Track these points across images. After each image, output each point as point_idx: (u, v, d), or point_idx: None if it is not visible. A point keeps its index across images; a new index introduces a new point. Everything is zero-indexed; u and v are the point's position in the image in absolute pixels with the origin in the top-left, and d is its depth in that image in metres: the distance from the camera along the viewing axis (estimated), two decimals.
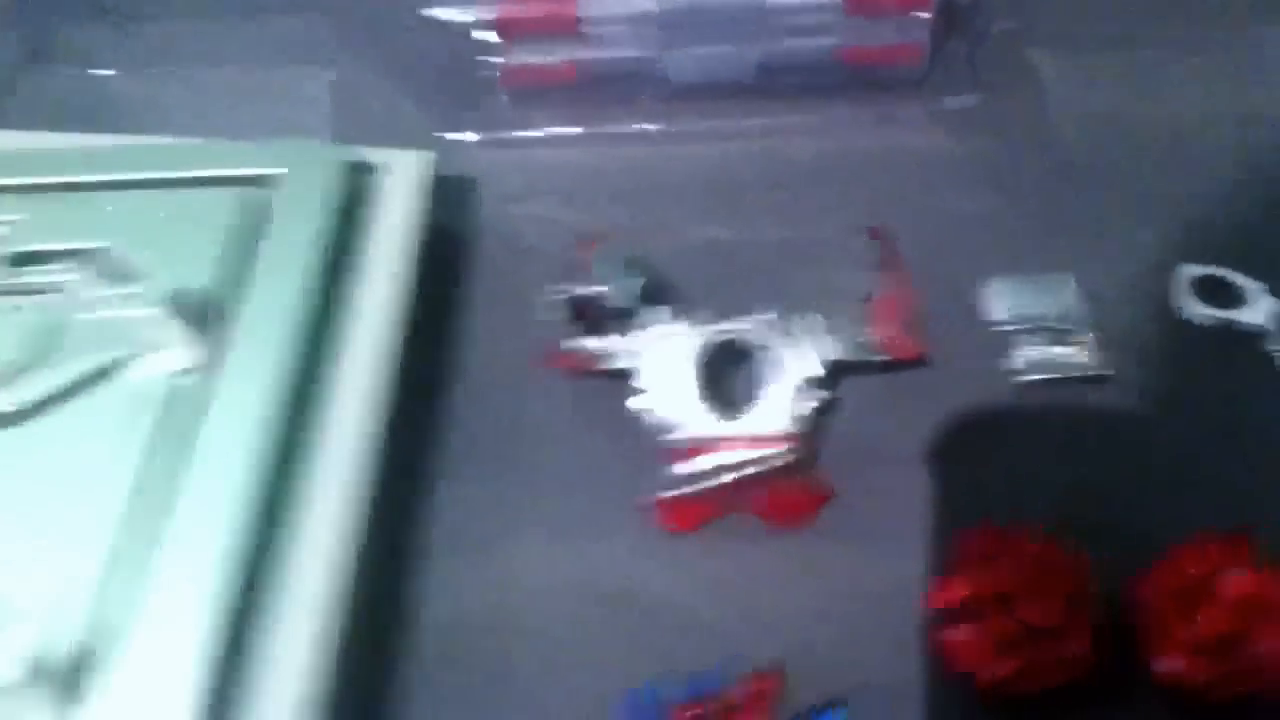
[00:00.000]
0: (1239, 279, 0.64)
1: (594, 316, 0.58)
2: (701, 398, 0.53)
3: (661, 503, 0.51)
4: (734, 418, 0.53)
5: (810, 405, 0.53)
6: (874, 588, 0.53)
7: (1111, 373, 0.60)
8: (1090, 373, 0.60)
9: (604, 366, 0.55)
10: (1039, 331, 0.61)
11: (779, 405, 0.53)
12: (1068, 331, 0.61)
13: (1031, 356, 0.60)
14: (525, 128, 0.74)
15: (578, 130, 0.74)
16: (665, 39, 0.72)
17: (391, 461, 0.54)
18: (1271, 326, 0.62)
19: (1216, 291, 0.64)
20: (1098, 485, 0.56)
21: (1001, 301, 0.63)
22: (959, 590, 0.49)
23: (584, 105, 0.74)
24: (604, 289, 0.57)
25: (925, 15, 0.71)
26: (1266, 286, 0.63)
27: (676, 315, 0.55)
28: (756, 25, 0.72)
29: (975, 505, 0.56)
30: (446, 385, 0.62)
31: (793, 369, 0.53)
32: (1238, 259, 0.65)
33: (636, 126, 0.74)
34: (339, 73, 0.78)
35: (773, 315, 0.55)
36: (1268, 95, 0.74)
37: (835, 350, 0.54)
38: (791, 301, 0.58)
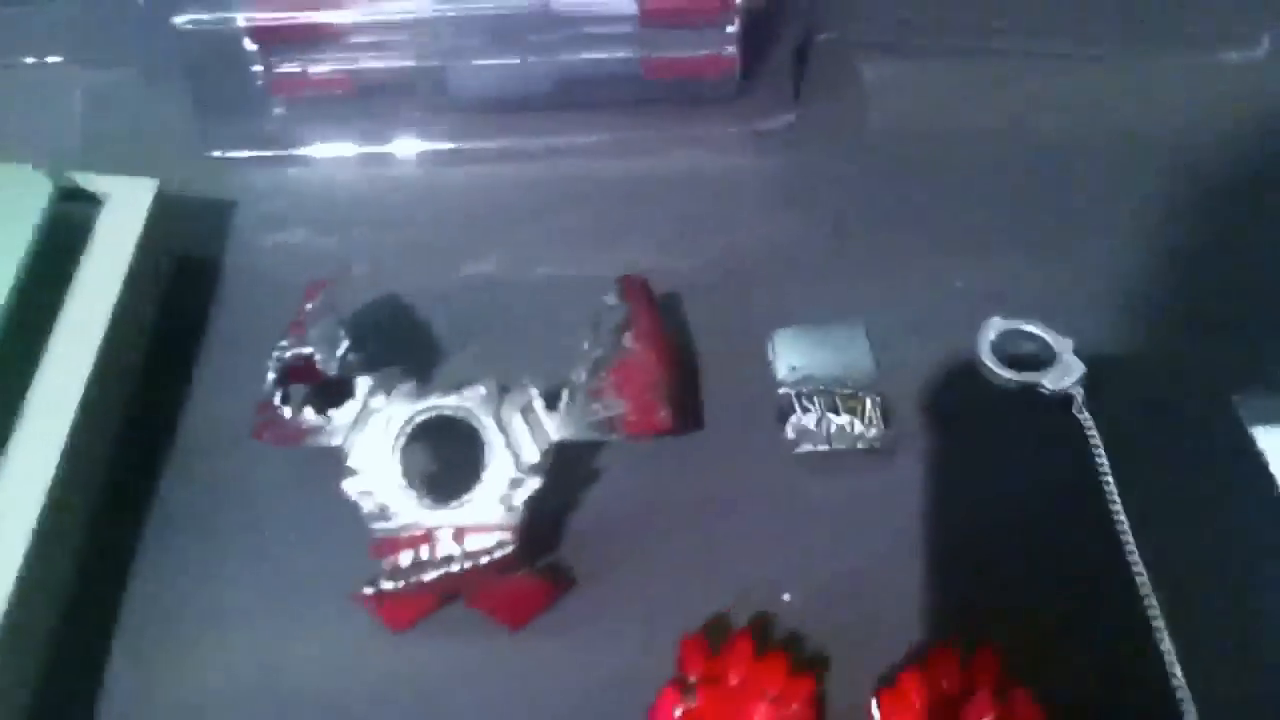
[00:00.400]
0: (1048, 336, 0.58)
1: (307, 381, 0.51)
2: (407, 483, 0.47)
3: (372, 598, 0.45)
4: (444, 506, 0.47)
5: (525, 495, 0.47)
6: (600, 692, 0.47)
7: (887, 446, 0.54)
8: (864, 446, 0.54)
9: (314, 442, 0.48)
10: (819, 394, 0.55)
11: (491, 493, 0.47)
12: (849, 395, 0.55)
13: (803, 424, 0.54)
14: (297, 145, 0.67)
15: (352, 148, 0.67)
16: (446, 49, 0.65)
17: (90, 529, 0.49)
18: (1078, 391, 0.56)
19: (1024, 347, 0.58)
20: (860, 576, 0.51)
21: (785, 357, 0.57)
22: (666, 712, 0.43)
23: (361, 121, 0.67)
24: (312, 350, 0.50)
25: (731, 28, 0.64)
26: (1073, 344, 0.57)
27: (384, 383, 0.48)
28: (546, 35, 0.64)
29: (720, 596, 0.50)
30: (166, 442, 0.55)
31: (504, 455, 0.47)
32: (1056, 305, 0.59)
33: (416, 145, 0.67)
34: (96, 78, 0.70)
35: (482, 390, 0.48)
36: (1119, 116, 0.68)
37: (559, 430, 0.48)
38: (539, 360, 0.52)
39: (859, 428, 0.54)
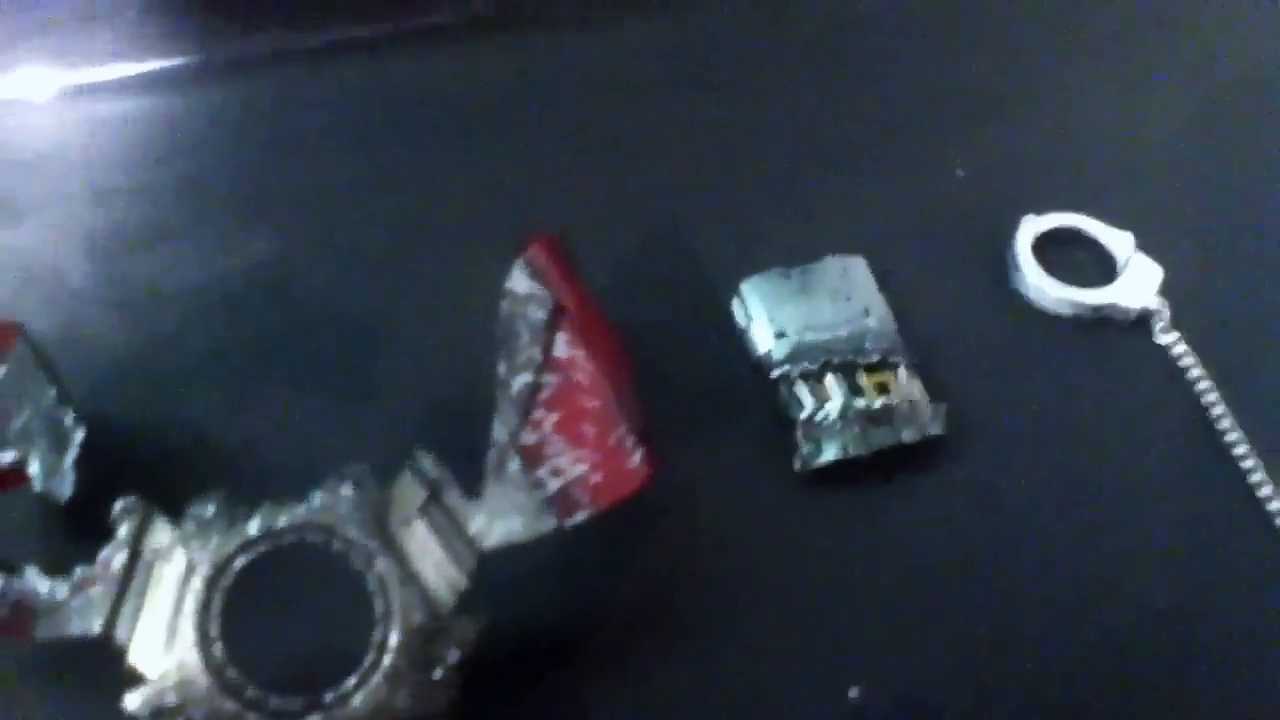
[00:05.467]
0: (1102, 232, 0.42)
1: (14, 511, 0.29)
2: (239, 677, 0.26)
3: None
4: (314, 707, 0.26)
5: (455, 656, 0.27)
6: None
7: (939, 432, 0.37)
8: (911, 437, 0.37)
9: (46, 631, 0.27)
10: (830, 369, 0.37)
11: (394, 667, 0.27)
12: (874, 364, 0.38)
13: (817, 422, 0.36)
14: None
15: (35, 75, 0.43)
16: None
17: None
18: (1159, 306, 0.40)
19: (1071, 257, 0.42)
20: (955, 632, 0.34)
21: (764, 318, 0.39)
22: None
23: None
24: (13, 456, 0.28)
25: None
26: (1134, 240, 0.42)
27: (163, 506, 0.27)
28: None
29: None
30: None
31: (406, 594, 0.27)
32: (1100, 189, 0.43)
33: (122, 67, 0.43)
34: None
35: (348, 487, 0.27)
36: None
37: (492, 529, 0.28)
38: (410, 406, 0.31)
39: (900, 411, 0.37)
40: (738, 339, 0.39)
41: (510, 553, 0.29)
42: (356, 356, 0.36)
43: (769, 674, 0.34)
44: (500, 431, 0.29)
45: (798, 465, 0.36)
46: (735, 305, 0.39)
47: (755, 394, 0.38)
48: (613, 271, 0.40)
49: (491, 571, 0.29)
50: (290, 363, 0.35)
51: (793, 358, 0.38)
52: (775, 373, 0.38)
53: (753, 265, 0.40)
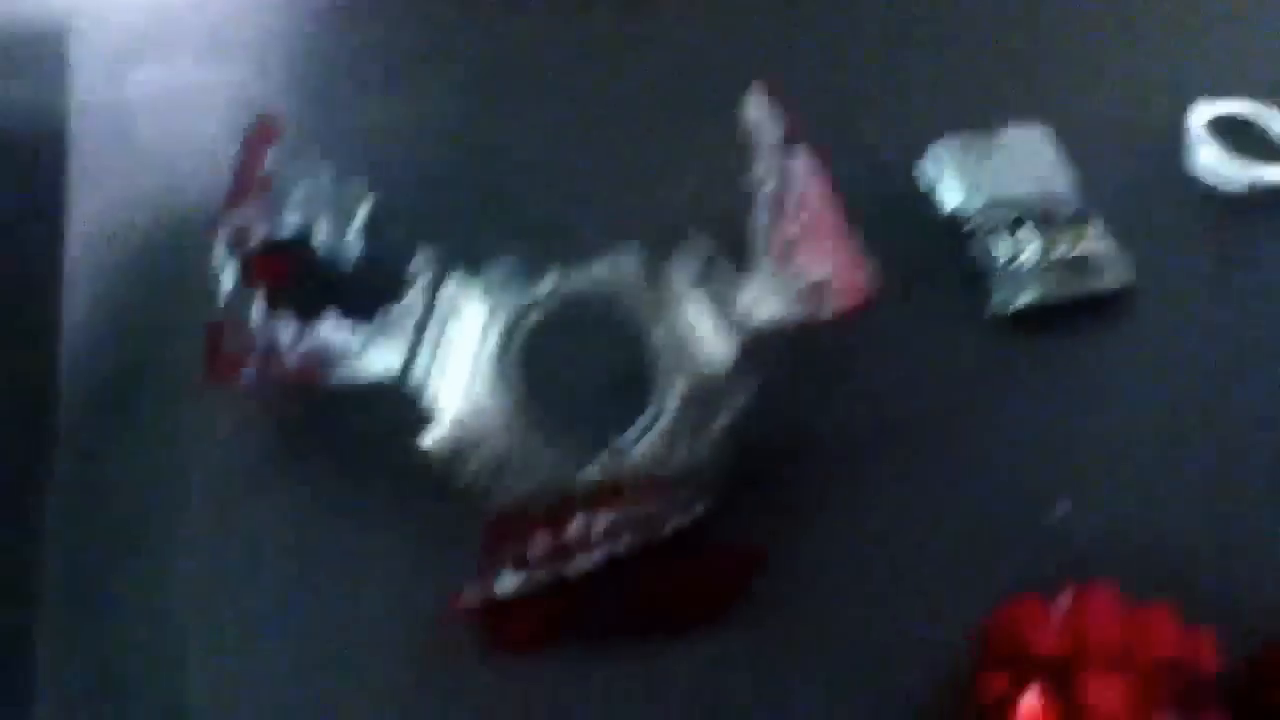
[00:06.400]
0: (1272, 118, 0.43)
1: (293, 280, 0.30)
2: (532, 421, 0.28)
3: (482, 610, 0.26)
4: (596, 453, 0.28)
5: (724, 419, 0.28)
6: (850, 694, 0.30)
7: (1132, 281, 0.39)
8: (1101, 287, 0.38)
9: (343, 375, 0.28)
10: (1021, 223, 0.39)
11: (669, 424, 0.28)
12: (1063, 223, 0.39)
13: (1014, 269, 0.38)
14: None
15: None
16: None
17: None
18: None
19: (1242, 140, 0.43)
20: (1157, 458, 0.35)
21: (952, 179, 0.40)
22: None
23: None
24: (298, 223, 0.29)
25: None
26: None
27: (455, 263, 0.28)
28: None
29: (972, 529, 0.34)
30: (42, 421, 0.33)
31: (683, 357, 0.28)
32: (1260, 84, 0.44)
33: None
34: None
35: (633, 257, 0.29)
36: None
37: (759, 306, 0.29)
38: (666, 200, 0.33)
39: (1093, 261, 0.38)
40: (923, 199, 0.41)
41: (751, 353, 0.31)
42: (631, 159, 0.38)
43: (973, 496, 0.35)
44: (758, 226, 0.31)
45: (994, 310, 0.38)
46: (922, 166, 0.41)
47: (944, 249, 0.40)
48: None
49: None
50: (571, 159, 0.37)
51: (985, 211, 0.39)
52: (968, 226, 0.39)
53: (937, 131, 0.41)
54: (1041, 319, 0.38)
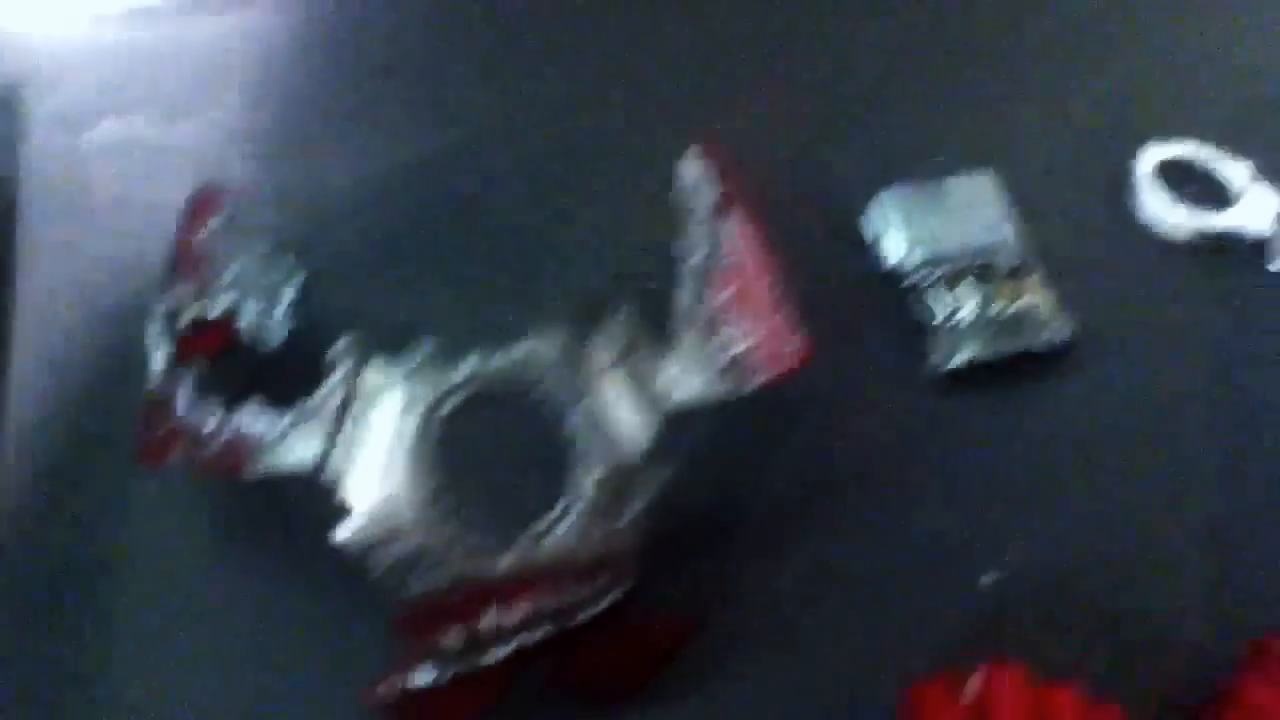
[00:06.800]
0: (1220, 162, 0.43)
1: (221, 361, 0.31)
2: (448, 510, 0.28)
3: (398, 701, 0.27)
4: (514, 540, 0.28)
5: (643, 499, 0.29)
6: None
7: (1072, 337, 0.39)
8: (1040, 345, 0.38)
9: (264, 465, 0.28)
10: (963, 278, 0.39)
11: (587, 507, 0.28)
12: (1006, 274, 0.39)
13: (951, 325, 0.38)
14: None
15: None
16: None
17: None
18: (1274, 232, 0.42)
19: (1188, 185, 0.43)
20: (1083, 527, 0.36)
21: (895, 230, 0.40)
22: None
23: None
24: (229, 301, 0.30)
25: None
26: (1253, 167, 0.43)
27: (381, 347, 0.29)
28: None
29: (897, 601, 0.34)
30: None
31: (601, 440, 0.29)
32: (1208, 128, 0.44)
33: None
34: None
35: (555, 338, 0.29)
36: None
37: (680, 385, 0.30)
38: (580, 290, 0.33)
39: (1032, 318, 0.38)
40: (867, 250, 0.41)
41: (674, 425, 0.31)
42: (530, 228, 0.38)
43: (902, 560, 0.35)
44: (682, 301, 0.31)
45: (930, 369, 0.38)
46: (865, 217, 0.41)
47: (885, 303, 0.40)
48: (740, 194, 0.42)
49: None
50: (489, 232, 0.37)
51: (926, 266, 0.39)
52: (910, 280, 0.39)
53: (883, 180, 0.41)
54: (981, 376, 0.38)
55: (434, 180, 0.38)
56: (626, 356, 0.30)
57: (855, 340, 0.39)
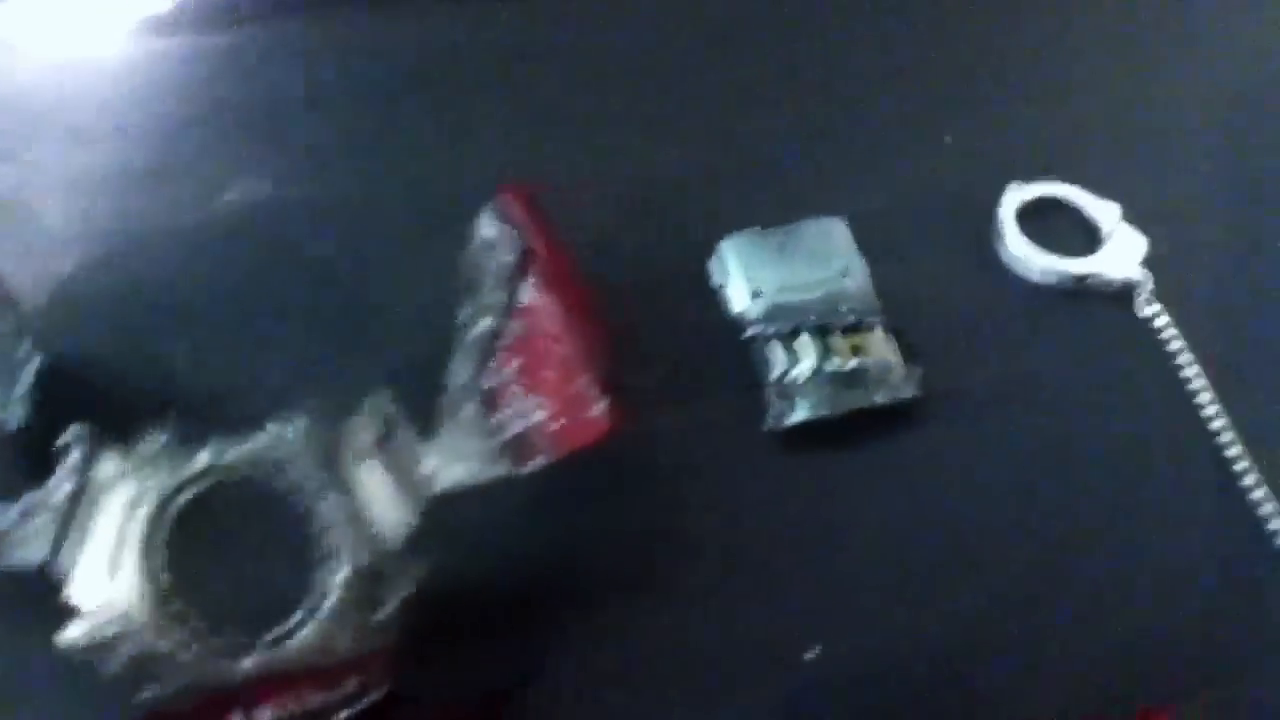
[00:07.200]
0: (1088, 202, 0.41)
1: None
2: (183, 612, 0.26)
3: None
4: (257, 644, 0.26)
5: (398, 596, 0.27)
6: None
7: (915, 394, 0.37)
8: (884, 399, 0.36)
9: None
10: (806, 330, 0.37)
11: (337, 607, 0.26)
12: (850, 326, 0.37)
13: (790, 381, 0.36)
14: None
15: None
16: None
17: None
18: (1143, 277, 0.40)
19: (1056, 227, 0.41)
20: (919, 604, 0.34)
21: (741, 278, 0.38)
22: None
23: None
24: None
25: None
26: (1120, 211, 0.41)
27: (116, 437, 0.27)
28: None
29: (711, 674, 0.32)
30: None
31: (352, 533, 0.27)
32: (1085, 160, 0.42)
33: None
34: None
35: (299, 425, 0.27)
36: None
37: (443, 471, 0.28)
38: (379, 350, 0.31)
39: (873, 373, 0.36)
40: (715, 298, 0.39)
41: (480, 502, 0.29)
42: (318, 300, 0.35)
43: (731, 632, 0.33)
44: (457, 375, 0.29)
45: (768, 425, 0.36)
46: (712, 264, 0.39)
47: (731, 353, 0.38)
48: (592, 231, 0.39)
49: (459, 520, 0.29)
50: (250, 304, 0.35)
51: (767, 317, 0.37)
52: (749, 332, 0.37)
53: (733, 226, 0.39)
54: (824, 433, 0.36)
55: (194, 253, 0.36)
56: (384, 443, 0.27)
57: (697, 395, 0.37)
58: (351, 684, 0.26)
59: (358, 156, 0.40)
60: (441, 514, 0.28)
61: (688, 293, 0.39)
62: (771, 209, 0.40)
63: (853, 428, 0.36)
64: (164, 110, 0.41)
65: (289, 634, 0.26)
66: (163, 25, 0.43)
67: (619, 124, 0.42)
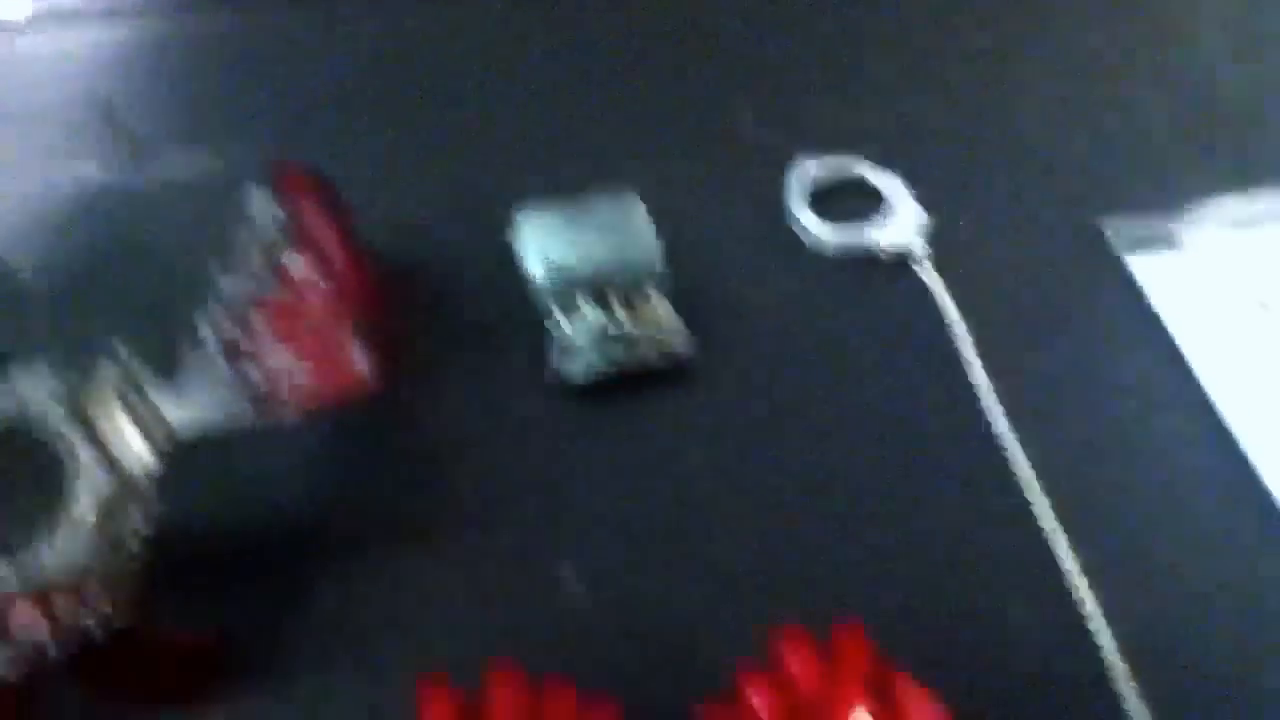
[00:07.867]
0: (877, 176, 0.44)
1: None
2: None
3: None
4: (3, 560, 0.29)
5: (133, 525, 0.29)
6: None
7: (690, 354, 0.39)
8: (660, 361, 0.39)
9: None
10: (590, 295, 0.40)
11: (77, 532, 0.29)
12: (632, 292, 0.40)
13: (572, 341, 0.39)
14: None
15: None
16: None
17: None
18: (920, 246, 0.43)
19: (846, 199, 0.44)
20: (667, 538, 0.37)
21: (536, 246, 0.41)
22: None
23: None
24: None
25: None
26: (907, 184, 0.44)
27: None
28: None
29: (464, 592, 0.35)
30: None
31: (93, 469, 0.30)
32: (874, 138, 0.45)
33: None
34: None
35: (43, 371, 0.30)
36: None
37: (185, 414, 0.31)
38: (163, 313, 0.34)
39: (650, 337, 0.39)
40: (514, 265, 0.41)
41: (252, 451, 0.32)
42: (111, 262, 0.38)
43: (486, 570, 0.36)
44: (205, 328, 0.32)
45: (547, 380, 0.39)
46: (512, 232, 0.41)
47: (526, 318, 0.40)
48: (400, 206, 0.42)
49: (225, 469, 0.32)
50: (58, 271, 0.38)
51: (555, 282, 0.40)
52: (541, 297, 0.40)
53: (530, 197, 0.42)
54: (605, 390, 0.39)
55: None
56: (127, 388, 0.30)
57: (490, 355, 0.40)
58: (103, 605, 0.29)
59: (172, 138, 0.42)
60: (207, 462, 0.31)
61: (496, 263, 0.42)
62: (577, 182, 0.42)
63: (634, 388, 0.39)
64: None
65: (33, 553, 0.29)
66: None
67: (430, 106, 0.44)
